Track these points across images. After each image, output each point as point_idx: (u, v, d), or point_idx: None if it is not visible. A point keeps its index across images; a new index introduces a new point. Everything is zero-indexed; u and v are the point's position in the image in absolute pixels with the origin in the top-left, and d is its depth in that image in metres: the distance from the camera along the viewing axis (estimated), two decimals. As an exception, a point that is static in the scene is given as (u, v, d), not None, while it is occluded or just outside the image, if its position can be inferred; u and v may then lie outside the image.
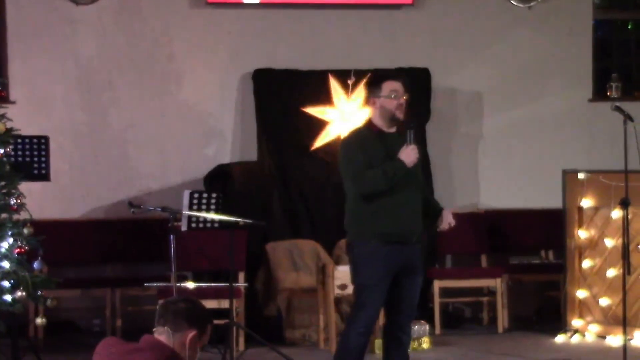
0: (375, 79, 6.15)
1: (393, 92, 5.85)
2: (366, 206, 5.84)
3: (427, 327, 8.07)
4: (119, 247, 8.76)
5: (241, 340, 7.96)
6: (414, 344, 7.82)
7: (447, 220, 5.96)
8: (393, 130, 5.94)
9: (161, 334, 3.79)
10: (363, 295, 5.87)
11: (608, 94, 9.69)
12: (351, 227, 5.92)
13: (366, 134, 5.95)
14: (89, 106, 8.97)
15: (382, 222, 5.81)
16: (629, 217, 7.18)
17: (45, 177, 7.34)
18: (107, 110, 9.01)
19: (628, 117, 7.01)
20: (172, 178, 9.01)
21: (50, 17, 8.89)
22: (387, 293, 5.87)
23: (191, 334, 3.78)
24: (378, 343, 7.55)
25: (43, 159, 7.29)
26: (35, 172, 7.27)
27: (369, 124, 5.99)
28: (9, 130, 6.86)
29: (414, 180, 5.87)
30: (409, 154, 5.76)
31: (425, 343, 7.98)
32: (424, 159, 8.32)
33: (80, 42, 8.96)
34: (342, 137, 6.99)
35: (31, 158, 7.25)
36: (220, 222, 7.20)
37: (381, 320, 6.44)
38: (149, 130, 9.06)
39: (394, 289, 5.88)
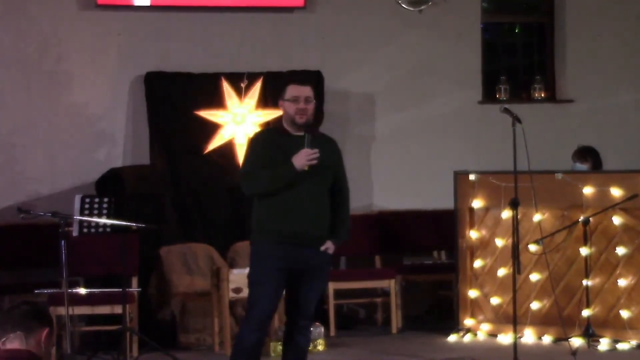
0: (283, 82, 6.20)
1: (294, 97, 5.88)
2: (262, 205, 5.92)
3: (322, 329, 8.08)
4: (7, 254, 8.53)
5: (135, 345, 7.87)
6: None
7: (324, 247, 5.93)
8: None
9: (13, 341, 3.75)
10: (253, 292, 5.93)
11: (497, 96, 9.86)
12: (252, 225, 5.98)
13: (270, 135, 6.04)
14: (-26, 109, 8.77)
15: (274, 222, 5.86)
16: (518, 217, 7.32)
17: None
18: (-7, 113, 8.81)
19: (516, 119, 7.14)
20: (63, 182, 8.83)
21: None
22: (281, 292, 5.93)
23: (44, 332, 3.79)
24: (273, 346, 7.56)
25: None
26: None
27: (278, 125, 6.05)
28: None
29: (316, 183, 5.87)
30: (300, 158, 5.76)
31: (320, 345, 8.00)
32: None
33: (-36, 44, 8.75)
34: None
35: None
36: (112, 226, 7.12)
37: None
38: (38, 134, 8.87)
39: (290, 290, 5.92)
